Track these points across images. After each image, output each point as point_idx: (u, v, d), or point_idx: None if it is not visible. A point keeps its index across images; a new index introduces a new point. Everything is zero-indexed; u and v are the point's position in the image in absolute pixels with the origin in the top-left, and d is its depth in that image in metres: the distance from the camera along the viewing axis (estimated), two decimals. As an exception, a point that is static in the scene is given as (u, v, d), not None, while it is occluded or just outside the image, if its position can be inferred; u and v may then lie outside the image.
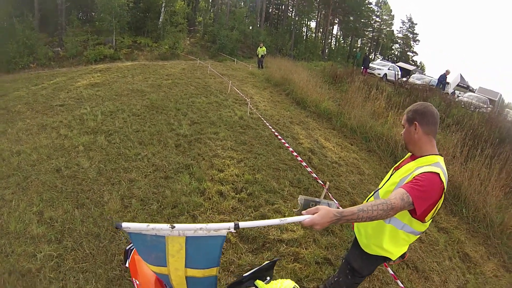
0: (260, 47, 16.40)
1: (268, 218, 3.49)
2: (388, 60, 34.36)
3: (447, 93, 15.70)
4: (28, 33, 13.81)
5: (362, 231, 1.87)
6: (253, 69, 15.62)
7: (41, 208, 3.59)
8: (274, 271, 1.45)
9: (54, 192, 3.88)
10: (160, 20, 18.93)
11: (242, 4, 30.09)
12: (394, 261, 1.85)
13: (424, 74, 24.96)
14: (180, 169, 4.51)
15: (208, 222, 3.21)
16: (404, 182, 1.53)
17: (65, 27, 16.50)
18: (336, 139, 6.95)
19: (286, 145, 5.15)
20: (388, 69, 18.98)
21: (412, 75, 20.53)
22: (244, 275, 1.22)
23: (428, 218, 1.55)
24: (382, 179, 1.95)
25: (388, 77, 18.07)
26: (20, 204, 3.69)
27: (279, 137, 5.58)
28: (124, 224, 1.08)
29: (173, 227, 1.10)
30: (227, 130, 6.10)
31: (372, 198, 1.87)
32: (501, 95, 17.52)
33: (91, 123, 5.97)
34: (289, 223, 1.36)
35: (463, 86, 21.04)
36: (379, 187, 1.84)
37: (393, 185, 1.67)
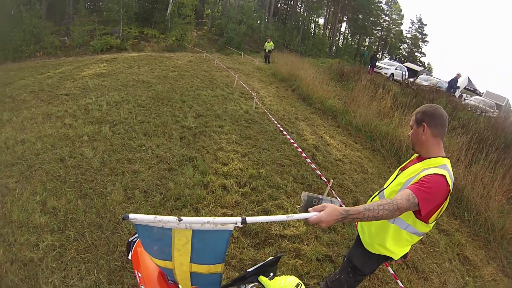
0: (268, 42, 16.28)
1: (271, 213, 3.51)
2: (395, 60, 34.09)
3: (458, 96, 15.52)
4: (35, 22, 13.77)
5: (365, 230, 1.88)
6: (260, 64, 15.55)
7: (45, 198, 3.62)
8: (277, 266, 1.46)
9: (57, 182, 3.91)
10: (168, 11, 18.81)
11: (251, -3, 29.87)
12: (396, 261, 1.86)
13: (431, 76, 24.74)
14: (184, 161, 4.52)
15: (211, 216, 3.28)
16: (410, 183, 1.53)
17: (72, 16, 16.48)
18: (341, 136, 6.94)
19: (291, 140, 5.15)
20: (395, 69, 18.83)
21: (419, 76, 20.34)
22: (247, 270, 1.23)
23: (432, 219, 1.55)
24: (386, 178, 1.96)
25: (395, 77, 17.94)
26: (24, 193, 3.71)
27: (284, 132, 5.56)
28: (131, 216, 1.07)
29: (180, 220, 1.10)
30: (232, 124, 6.10)
31: (377, 198, 1.87)
32: (508, 100, 17.34)
33: (96, 113, 5.99)
34: (295, 219, 1.36)
35: (470, 90, 20.84)
36: (385, 187, 1.84)
37: (399, 186, 1.67)
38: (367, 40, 44.19)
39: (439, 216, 1.57)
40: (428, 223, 1.58)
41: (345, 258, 2.12)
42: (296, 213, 3.03)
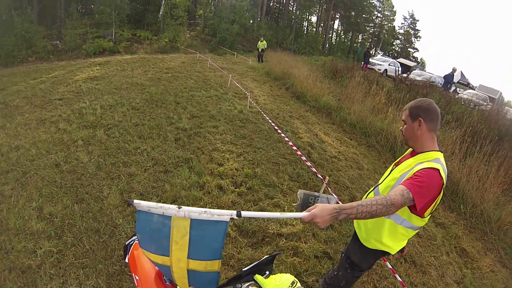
0: (261, 41, 16.28)
1: (268, 212, 3.51)
2: (388, 55, 34.24)
3: (452, 91, 15.58)
4: (27, 26, 13.61)
5: (361, 226, 1.89)
6: (253, 63, 15.54)
7: (41, 204, 3.58)
8: (273, 265, 1.46)
9: (53, 187, 3.87)
10: (160, 13, 18.70)
11: (243, -3, 29.82)
12: (393, 255, 1.87)
13: (425, 71, 24.90)
14: (180, 163, 4.51)
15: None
16: (404, 178, 1.54)
17: (64, 20, 16.31)
18: (336, 133, 6.96)
19: (286, 139, 5.15)
20: (389, 64, 18.94)
21: (413, 71, 20.47)
22: (243, 269, 1.23)
23: (427, 213, 1.57)
24: (381, 174, 1.96)
25: (388, 73, 18.04)
26: (20, 199, 3.67)
27: (279, 131, 5.58)
28: (136, 201, 1.15)
29: (179, 208, 1.15)
30: (226, 124, 6.09)
31: (372, 194, 1.88)
32: (501, 93, 17.51)
33: (90, 117, 5.95)
34: (289, 217, 1.39)
35: (463, 83, 21.02)
36: (379, 183, 1.85)
37: (393, 181, 1.68)
38: (360, 37, 44.31)
39: (433, 209, 1.58)
40: (423, 217, 1.59)
41: (343, 255, 2.13)
42: (293, 211, 3.06)
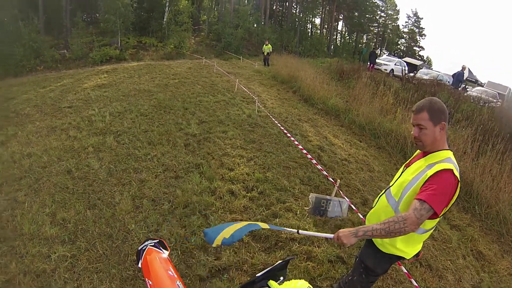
0: (266, 45, 16.34)
1: (280, 216, 3.51)
2: (394, 55, 34.03)
3: (461, 88, 15.32)
4: (34, 36, 14.06)
5: None
6: (259, 67, 15.58)
7: (54, 210, 3.65)
8: (287, 270, 1.45)
9: (65, 193, 3.93)
10: (165, 19, 18.97)
11: (246, 1, 29.98)
12: (408, 259, 1.84)
13: (431, 69, 24.66)
14: (190, 168, 4.54)
15: (220, 222, 3.27)
16: (417, 182, 1.54)
17: (70, 29, 16.65)
18: (345, 136, 6.92)
19: (296, 142, 5.14)
20: (395, 64, 18.80)
21: (419, 70, 20.29)
22: (257, 275, 1.22)
23: (441, 213, 1.54)
24: (393, 176, 1.94)
25: (395, 73, 17.90)
26: (33, 205, 3.74)
27: (288, 134, 5.57)
28: None
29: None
30: (235, 129, 6.11)
31: (383, 196, 1.85)
32: (510, 89, 17.22)
33: (100, 124, 6.04)
34: (321, 237, 1.68)
35: (471, 81, 20.75)
36: (391, 184, 1.83)
37: (404, 183, 1.65)
38: (364, 37, 44.15)
39: (448, 209, 1.56)
40: (437, 217, 1.56)
41: (357, 259, 2.10)
42: (305, 215, 3.06)
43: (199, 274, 2.74)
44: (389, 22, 42.67)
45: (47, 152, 4.99)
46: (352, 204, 3.76)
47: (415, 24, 43.21)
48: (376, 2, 40.46)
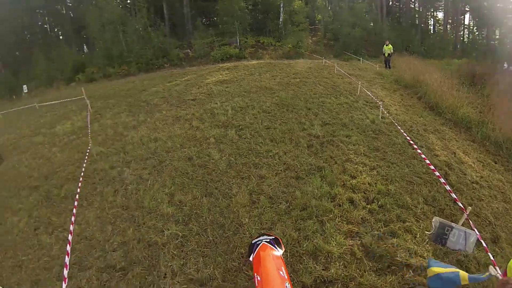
0: (386, 45, 15.65)
1: (398, 236, 3.41)
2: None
3: None
4: (162, 39, 18.71)
5: None
6: (381, 69, 15.11)
7: (173, 191, 4.33)
8: None
9: (185, 178, 4.61)
10: (280, 19, 20.51)
11: (360, -1, 29.31)
12: None
13: None
14: (312, 170, 4.70)
15: (336, 231, 3.42)
16: None
17: (192, 32, 20.26)
18: (477, 153, 6.26)
19: (422, 156, 4.77)
20: None
21: None
22: None
23: None
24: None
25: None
26: (155, 184, 4.55)
27: (414, 146, 5.31)
28: None
29: None
30: (359, 134, 6.08)
31: None
32: None
33: (222, 117, 6.88)
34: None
35: None
36: None
37: None
38: (497, 32, 36.21)
39: None
40: None
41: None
42: (426, 240, 3.21)
43: (303, 281, 2.81)
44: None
45: (171, 138, 5.97)
46: (481, 239, 3.25)
47: None
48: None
